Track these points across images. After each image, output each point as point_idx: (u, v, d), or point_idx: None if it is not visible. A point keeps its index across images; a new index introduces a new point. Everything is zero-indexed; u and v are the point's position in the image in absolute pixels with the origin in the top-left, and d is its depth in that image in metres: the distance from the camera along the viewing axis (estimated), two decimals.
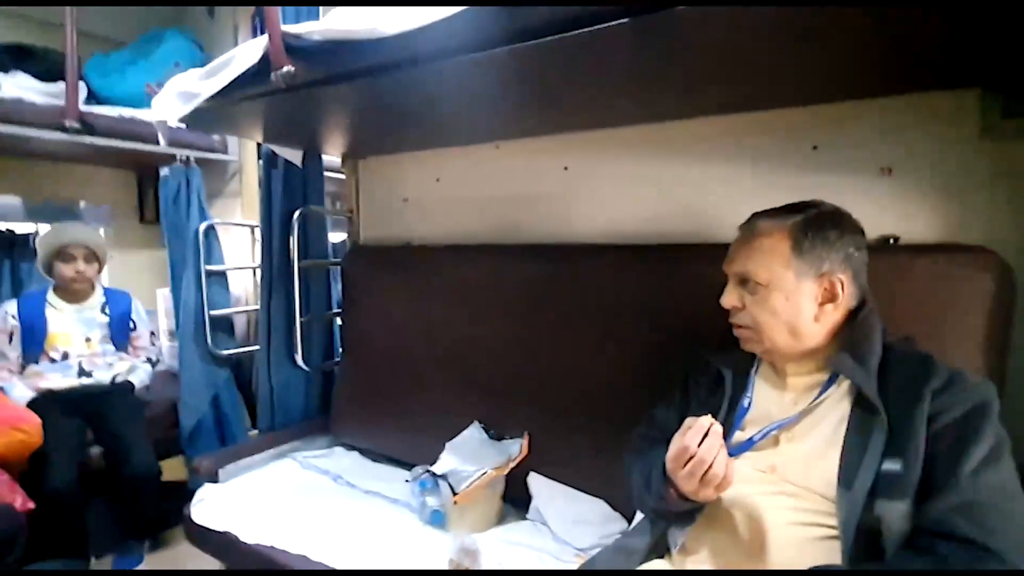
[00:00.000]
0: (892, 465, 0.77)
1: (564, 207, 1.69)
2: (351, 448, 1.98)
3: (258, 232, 2.19)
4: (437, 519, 1.44)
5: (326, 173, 2.16)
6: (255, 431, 2.23)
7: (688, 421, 0.84)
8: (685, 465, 0.81)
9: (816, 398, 0.87)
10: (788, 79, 1.16)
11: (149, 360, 2.27)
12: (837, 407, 0.86)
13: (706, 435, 0.81)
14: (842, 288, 0.87)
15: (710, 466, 0.80)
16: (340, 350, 2.16)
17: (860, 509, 0.77)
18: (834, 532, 0.80)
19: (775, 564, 0.83)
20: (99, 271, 2.18)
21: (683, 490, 0.84)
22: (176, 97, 1.40)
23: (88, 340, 2.12)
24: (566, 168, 1.68)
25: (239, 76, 1.25)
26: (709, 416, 0.83)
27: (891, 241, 1.21)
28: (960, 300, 1.03)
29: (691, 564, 0.91)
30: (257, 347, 2.16)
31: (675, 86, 1.22)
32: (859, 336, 0.86)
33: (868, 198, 1.23)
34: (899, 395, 0.80)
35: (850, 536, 0.77)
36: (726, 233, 1.03)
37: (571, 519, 1.38)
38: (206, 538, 1.54)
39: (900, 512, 0.76)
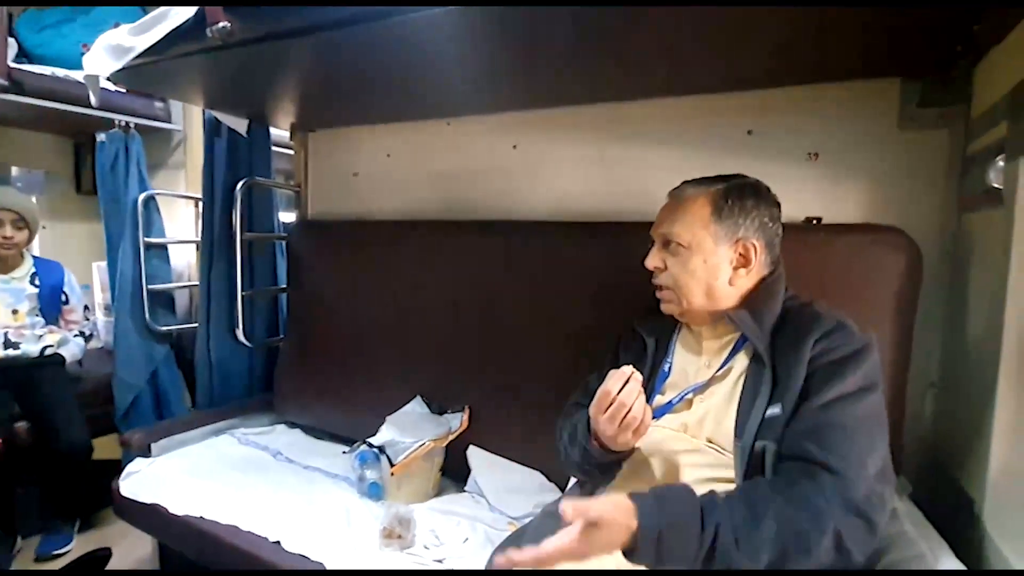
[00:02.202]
0: (774, 410, 0.81)
1: (512, 185, 1.70)
2: (294, 426, 1.95)
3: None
4: (375, 491, 1.44)
5: (276, 149, 2.10)
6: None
7: (611, 372, 0.87)
8: (607, 410, 0.84)
9: (724, 363, 0.91)
10: (726, 65, 1.20)
11: (82, 334, 2.17)
12: (740, 367, 0.90)
13: (627, 382, 0.84)
14: (755, 254, 0.91)
15: (629, 409, 0.82)
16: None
17: (748, 455, 0.81)
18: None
19: None
20: (29, 240, 2.07)
21: (604, 435, 0.86)
22: (106, 52, 1.33)
23: (15, 312, 2.01)
24: (515, 146, 1.69)
25: (173, 31, 1.21)
26: (631, 366, 0.86)
27: (815, 221, 1.27)
28: (874, 275, 1.12)
29: None
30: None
31: (619, 67, 1.24)
32: (762, 297, 0.91)
33: (797, 181, 1.29)
34: (786, 346, 0.84)
35: (740, 481, 0.81)
36: None
37: (506, 489, 1.39)
38: (134, 511, 1.50)
39: (774, 450, 0.79)
